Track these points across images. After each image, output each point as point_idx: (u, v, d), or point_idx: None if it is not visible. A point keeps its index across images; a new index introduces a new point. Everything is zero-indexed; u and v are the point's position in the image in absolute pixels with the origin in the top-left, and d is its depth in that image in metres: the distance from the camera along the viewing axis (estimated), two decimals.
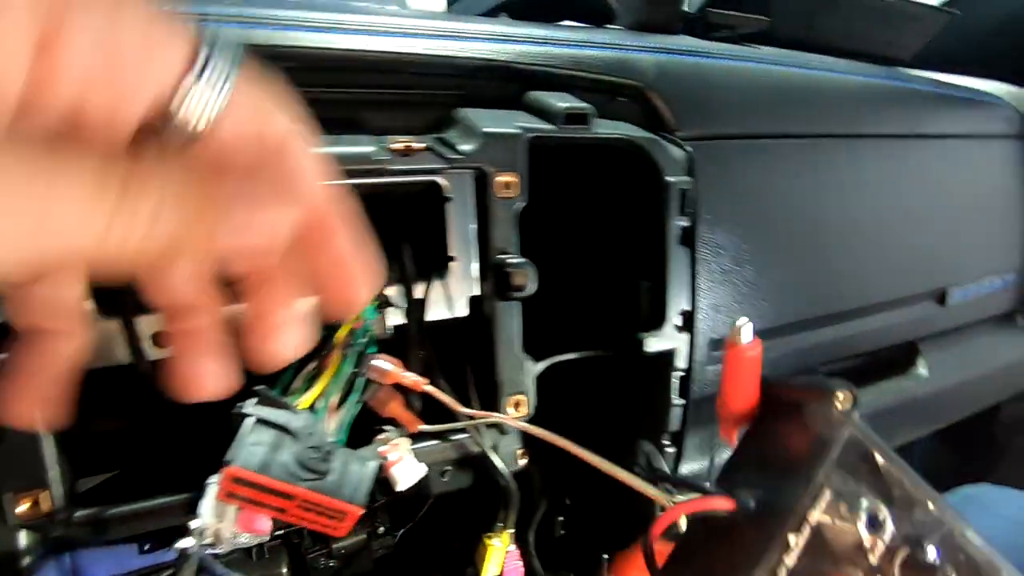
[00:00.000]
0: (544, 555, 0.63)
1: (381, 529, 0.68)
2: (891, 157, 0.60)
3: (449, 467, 0.53)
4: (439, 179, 0.40)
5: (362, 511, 0.30)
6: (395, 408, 0.35)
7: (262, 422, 0.30)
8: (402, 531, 0.71)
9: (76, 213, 0.10)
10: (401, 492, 0.34)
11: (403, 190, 0.42)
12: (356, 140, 0.35)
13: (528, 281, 0.37)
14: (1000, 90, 0.77)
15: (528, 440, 0.48)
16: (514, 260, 0.37)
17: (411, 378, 0.36)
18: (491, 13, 0.71)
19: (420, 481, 0.53)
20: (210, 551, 0.44)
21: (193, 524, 0.31)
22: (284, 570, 0.66)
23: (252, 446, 0.29)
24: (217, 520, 0.29)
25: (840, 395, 0.23)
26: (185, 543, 0.31)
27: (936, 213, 0.64)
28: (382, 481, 0.36)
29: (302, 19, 0.37)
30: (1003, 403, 1.06)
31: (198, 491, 0.31)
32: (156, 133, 0.12)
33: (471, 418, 0.38)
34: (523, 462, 0.53)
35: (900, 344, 0.66)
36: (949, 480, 0.74)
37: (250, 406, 0.30)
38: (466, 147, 0.36)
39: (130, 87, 0.12)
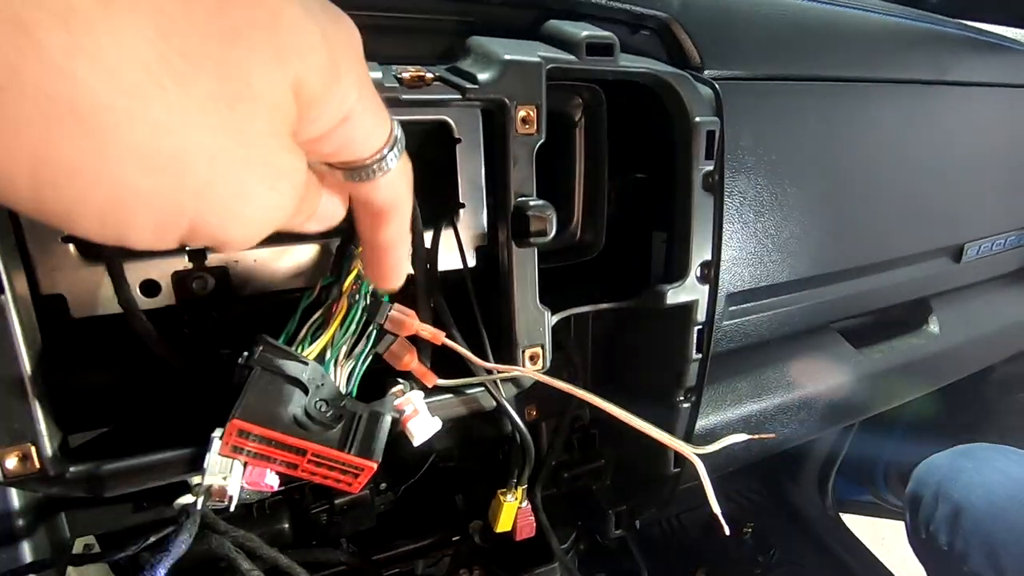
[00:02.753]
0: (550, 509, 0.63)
1: (383, 485, 0.67)
2: (915, 104, 0.57)
3: (452, 424, 0.52)
4: (448, 118, 0.36)
5: (376, 467, 0.28)
6: (411, 362, 0.33)
7: (269, 372, 0.27)
8: (404, 487, 0.71)
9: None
10: (416, 447, 0.32)
11: (409, 130, 0.39)
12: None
13: (548, 226, 0.35)
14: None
15: (533, 397, 0.46)
16: (536, 203, 0.35)
17: (429, 330, 0.33)
18: None
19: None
20: (212, 507, 0.42)
21: (196, 480, 0.28)
22: (286, 525, 0.65)
23: (259, 397, 0.27)
24: (222, 476, 0.27)
25: None
26: (186, 500, 0.29)
27: (957, 165, 0.62)
28: (397, 436, 0.34)
29: None
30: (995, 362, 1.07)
31: (201, 446, 0.29)
32: (351, 169, 0.22)
33: (489, 372, 0.36)
34: (532, 417, 0.51)
35: (913, 301, 0.65)
36: (942, 439, 0.74)
37: (255, 356, 0.28)
38: (484, 76, 0.33)
39: (365, 147, 0.22)
